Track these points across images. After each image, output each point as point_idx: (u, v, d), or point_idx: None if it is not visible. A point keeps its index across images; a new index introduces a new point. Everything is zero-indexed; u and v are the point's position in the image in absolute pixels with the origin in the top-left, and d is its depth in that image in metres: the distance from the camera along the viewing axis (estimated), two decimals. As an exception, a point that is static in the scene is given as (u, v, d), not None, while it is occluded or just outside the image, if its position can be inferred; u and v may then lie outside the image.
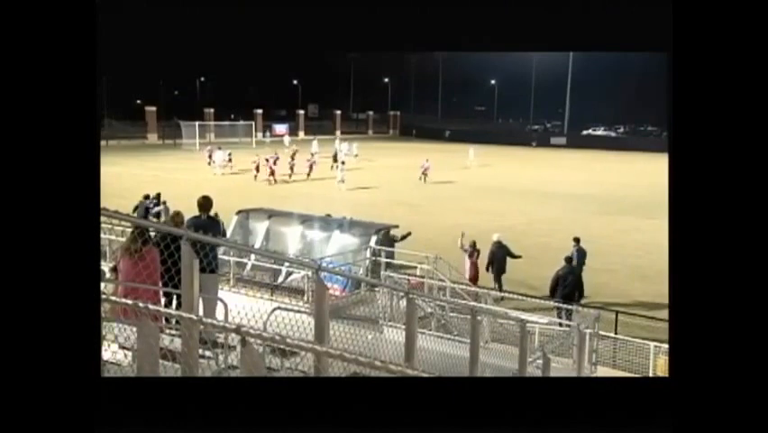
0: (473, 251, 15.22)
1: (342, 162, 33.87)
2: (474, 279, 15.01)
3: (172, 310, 5.11)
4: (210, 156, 37.97)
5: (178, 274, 4.44)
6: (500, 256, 15.20)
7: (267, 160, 33.40)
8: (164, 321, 5.23)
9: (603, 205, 24.34)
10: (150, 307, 3.13)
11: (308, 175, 34.35)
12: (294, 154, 36.40)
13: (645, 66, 69.91)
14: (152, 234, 6.50)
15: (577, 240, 15.69)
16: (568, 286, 13.37)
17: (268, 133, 65.86)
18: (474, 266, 15.15)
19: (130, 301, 3.29)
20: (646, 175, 35.59)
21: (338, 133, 69.66)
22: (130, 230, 7.05)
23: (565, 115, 78.70)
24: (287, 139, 57.28)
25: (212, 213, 7.80)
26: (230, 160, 36.97)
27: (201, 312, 6.71)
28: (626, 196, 30.57)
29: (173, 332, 5.04)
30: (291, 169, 34.45)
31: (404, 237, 14.74)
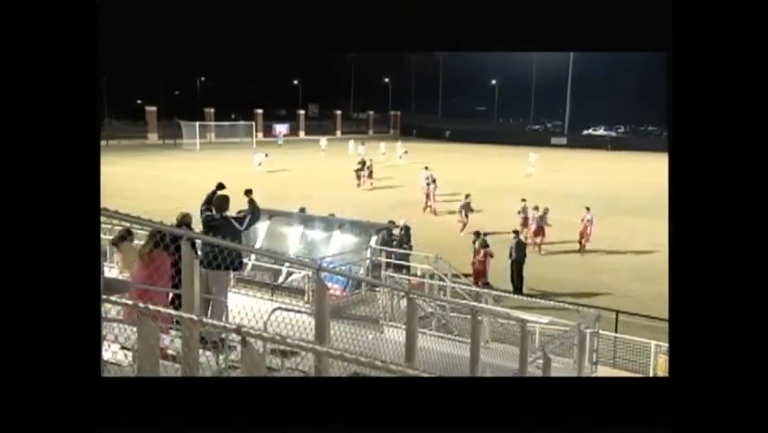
0: (480, 249, 15.84)
1: (426, 168, 28.61)
2: (476, 274, 15.55)
3: (172, 310, 5.11)
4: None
5: (178, 274, 4.45)
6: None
7: None
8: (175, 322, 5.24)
9: (603, 204, 24.29)
10: (151, 307, 3.13)
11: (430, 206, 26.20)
12: (366, 165, 31.46)
13: (645, 66, 69.96)
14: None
15: (516, 232, 16.66)
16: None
17: (281, 137, 60.90)
18: (480, 264, 15.81)
19: (130, 302, 3.29)
20: (646, 175, 35.55)
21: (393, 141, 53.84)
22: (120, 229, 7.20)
23: (566, 114, 78.73)
24: (323, 142, 50.74)
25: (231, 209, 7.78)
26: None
27: (210, 311, 6.77)
28: (626, 196, 30.57)
29: (174, 333, 5.04)
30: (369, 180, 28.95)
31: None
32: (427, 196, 26.23)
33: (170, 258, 6.14)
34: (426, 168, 28.68)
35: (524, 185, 33.14)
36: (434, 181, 26.26)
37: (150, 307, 3.12)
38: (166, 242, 6.49)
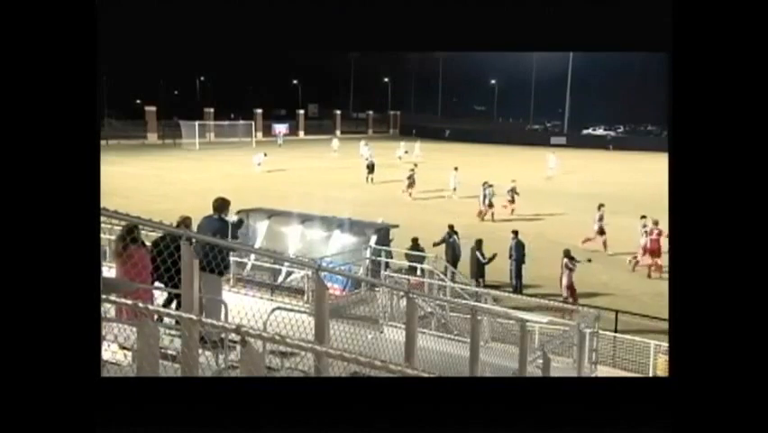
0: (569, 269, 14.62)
1: (456, 168, 28.76)
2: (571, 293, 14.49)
3: (172, 310, 5.11)
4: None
5: (178, 274, 4.45)
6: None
7: None
8: (161, 321, 5.23)
9: (609, 205, 24.31)
10: (150, 307, 3.13)
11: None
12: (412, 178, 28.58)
13: (645, 66, 70.01)
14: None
15: (515, 232, 16.21)
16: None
17: (281, 137, 59.69)
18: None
19: (130, 301, 3.29)
20: (646, 174, 35.49)
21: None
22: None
23: (565, 114, 78.72)
24: (335, 143, 49.31)
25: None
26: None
27: (203, 312, 6.77)
28: (625, 195, 30.54)
29: (172, 332, 5.04)
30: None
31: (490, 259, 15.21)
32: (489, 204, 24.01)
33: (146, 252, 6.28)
34: (456, 168, 28.58)
35: (543, 186, 33.02)
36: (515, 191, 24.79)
37: (150, 307, 3.13)
38: (137, 237, 6.51)
